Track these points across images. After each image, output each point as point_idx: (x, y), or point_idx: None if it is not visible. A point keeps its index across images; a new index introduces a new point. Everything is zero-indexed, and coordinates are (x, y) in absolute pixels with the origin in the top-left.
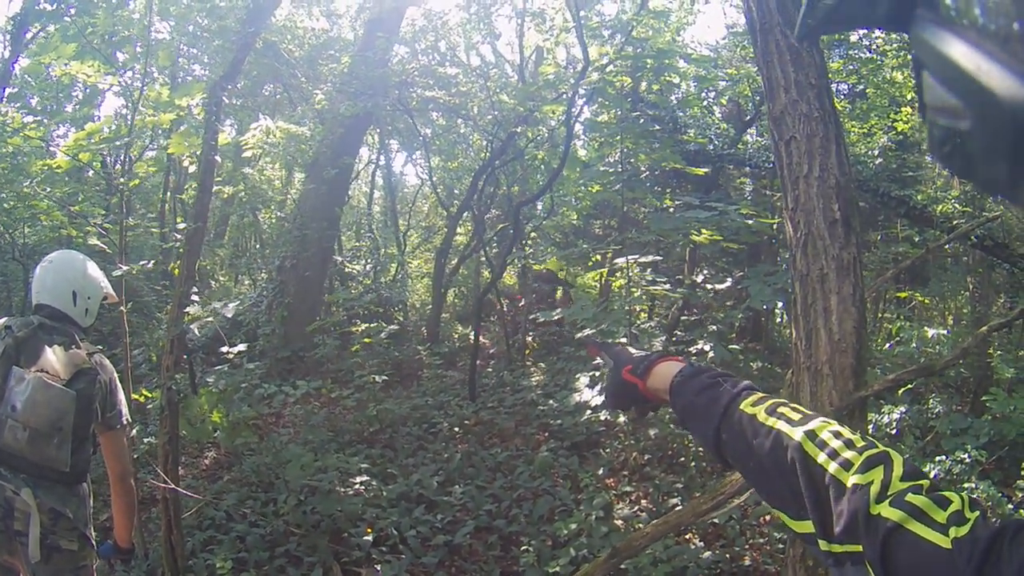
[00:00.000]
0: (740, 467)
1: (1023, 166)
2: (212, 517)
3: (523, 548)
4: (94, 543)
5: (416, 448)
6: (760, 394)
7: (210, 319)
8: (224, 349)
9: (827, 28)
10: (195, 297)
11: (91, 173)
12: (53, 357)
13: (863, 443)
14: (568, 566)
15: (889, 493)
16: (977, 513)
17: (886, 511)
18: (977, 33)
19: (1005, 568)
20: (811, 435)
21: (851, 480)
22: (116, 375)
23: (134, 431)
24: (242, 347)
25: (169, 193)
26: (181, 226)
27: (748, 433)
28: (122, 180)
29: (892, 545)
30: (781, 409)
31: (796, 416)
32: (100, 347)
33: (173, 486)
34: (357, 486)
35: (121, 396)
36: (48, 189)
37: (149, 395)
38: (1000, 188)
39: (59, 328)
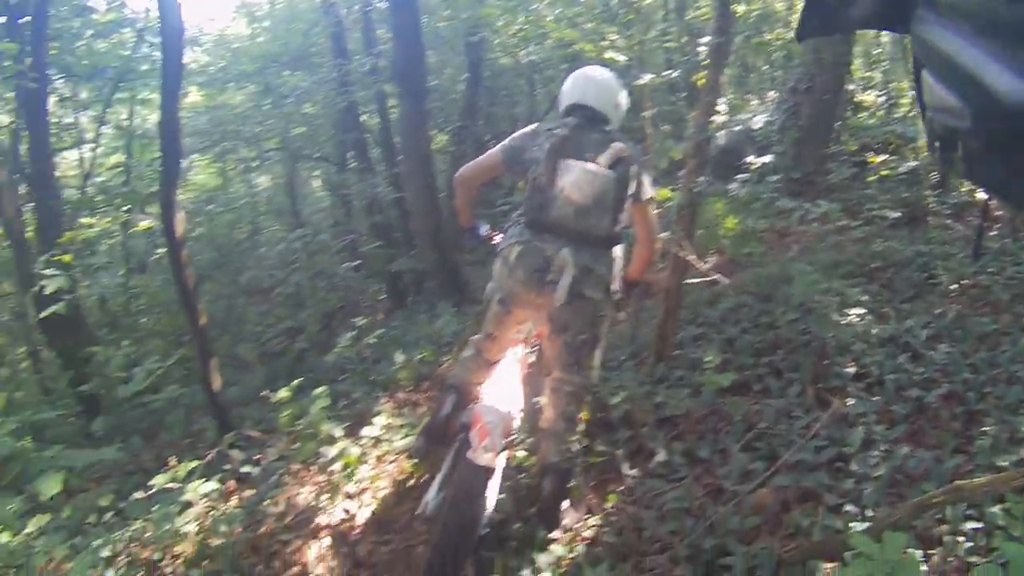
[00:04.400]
0: None
1: (1021, 165)
2: (706, 316)
3: (981, 429)
4: (615, 298)
5: (912, 295)
6: None
7: (737, 127)
8: (749, 160)
9: (828, 29)
10: (720, 107)
11: None
12: (594, 149)
13: None
14: (1016, 464)
15: None
16: None
17: None
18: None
19: None
20: None
21: None
22: (645, 164)
23: None
24: (767, 158)
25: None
26: (704, 39)
27: None
28: None
29: None
30: None
31: None
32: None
33: (692, 260)
34: (851, 317)
35: (647, 178)
36: (559, 10)
37: (667, 195)
38: (998, 187)
39: (596, 127)
